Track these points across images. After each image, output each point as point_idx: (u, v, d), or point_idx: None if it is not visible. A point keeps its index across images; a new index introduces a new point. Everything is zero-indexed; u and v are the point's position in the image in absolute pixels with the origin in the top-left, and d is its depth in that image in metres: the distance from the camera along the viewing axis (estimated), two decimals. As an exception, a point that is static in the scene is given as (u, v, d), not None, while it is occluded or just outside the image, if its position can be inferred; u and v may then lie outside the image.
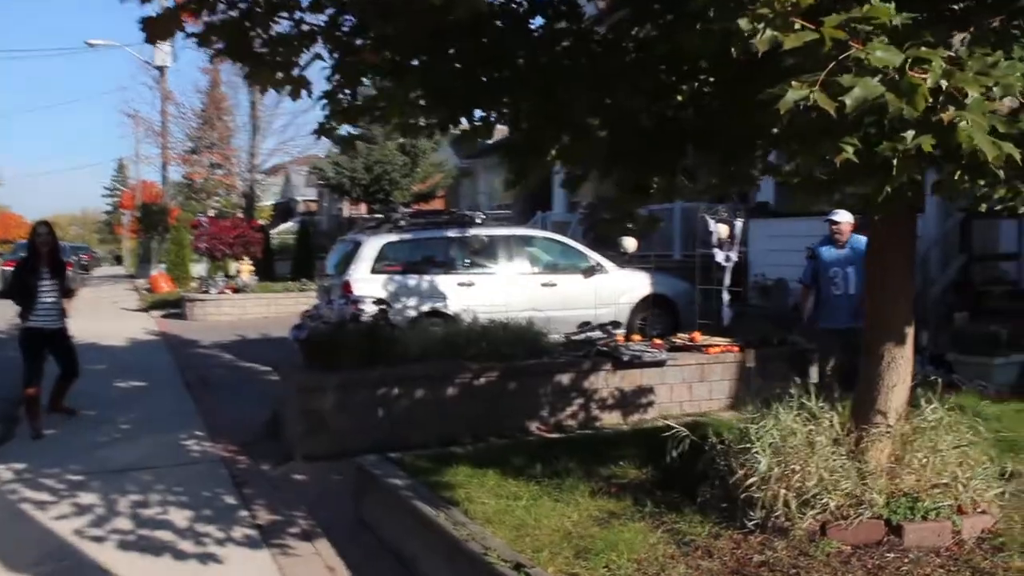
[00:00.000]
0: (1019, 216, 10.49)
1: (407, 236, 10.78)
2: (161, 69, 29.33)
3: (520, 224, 15.08)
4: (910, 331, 4.42)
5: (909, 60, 2.68)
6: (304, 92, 4.23)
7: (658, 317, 11.90)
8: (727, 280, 10.03)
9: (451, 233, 10.94)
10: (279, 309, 18.16)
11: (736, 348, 8.37)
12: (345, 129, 4.63)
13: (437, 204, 27.38)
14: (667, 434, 4.42)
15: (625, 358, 7.79)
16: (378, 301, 7.57)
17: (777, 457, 3.82)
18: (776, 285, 12.17)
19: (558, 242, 11.87)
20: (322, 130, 4.48)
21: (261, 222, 28.86)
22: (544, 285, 10.98)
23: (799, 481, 3.84)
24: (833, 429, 4.02)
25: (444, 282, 10.55)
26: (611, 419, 7.82)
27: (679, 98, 3.96)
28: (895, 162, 2.92)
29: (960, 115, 2.71)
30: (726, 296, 9.87)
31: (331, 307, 6.99)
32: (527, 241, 11.47)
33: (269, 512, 5.57)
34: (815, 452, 3.83)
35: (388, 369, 6.93)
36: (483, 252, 11.12)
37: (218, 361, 12.54)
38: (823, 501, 3.83)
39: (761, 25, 2.67)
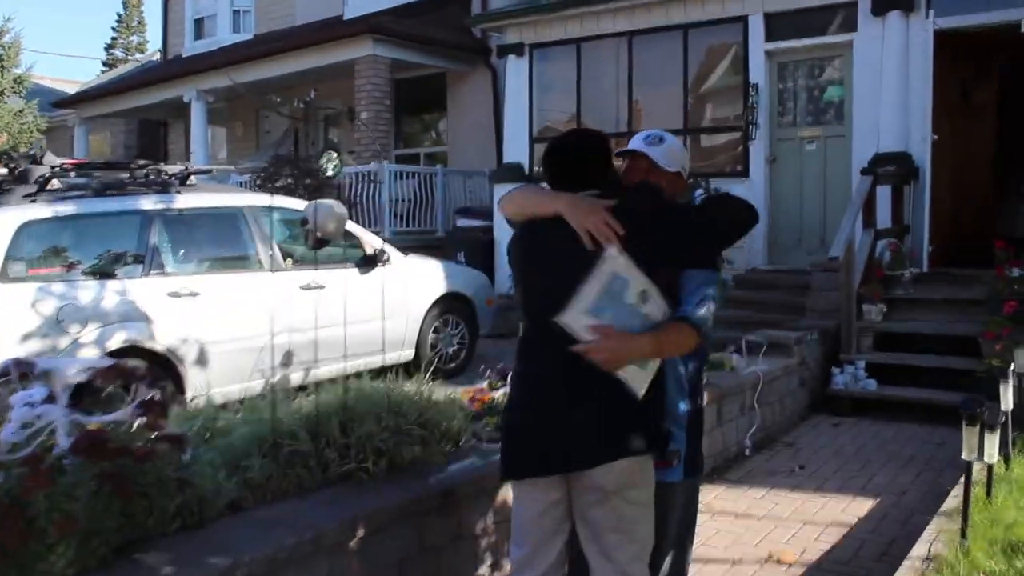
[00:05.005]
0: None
1: (67, 209, 5.86)
2: None
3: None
4: None
5: None
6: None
7: (455, 328, 8.30)
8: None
9: (148, 203, 6.25)
10: None
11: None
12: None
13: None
14: None
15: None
16: (149, 355, 3.14)
17: None
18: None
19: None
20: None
21: None
22: (305, 288, 6.80)
23: None
24: None
25: (145, 291, 5.94)
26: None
27: None
28: None
29: None
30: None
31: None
32: (264, 215, 7.03)
33: None
34: None
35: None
36: (200, 238, 6.64)
37: None
38: None
39: None
